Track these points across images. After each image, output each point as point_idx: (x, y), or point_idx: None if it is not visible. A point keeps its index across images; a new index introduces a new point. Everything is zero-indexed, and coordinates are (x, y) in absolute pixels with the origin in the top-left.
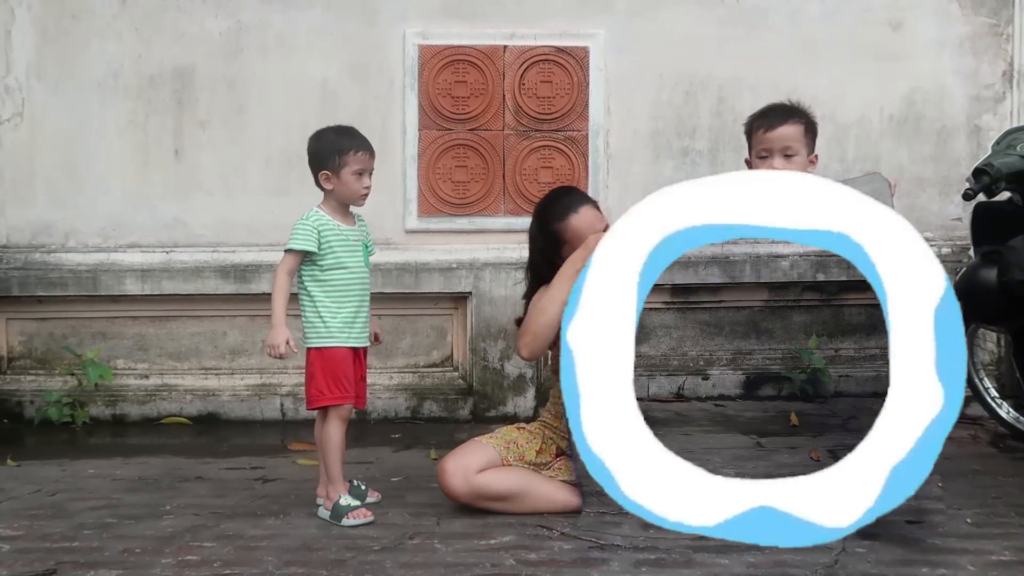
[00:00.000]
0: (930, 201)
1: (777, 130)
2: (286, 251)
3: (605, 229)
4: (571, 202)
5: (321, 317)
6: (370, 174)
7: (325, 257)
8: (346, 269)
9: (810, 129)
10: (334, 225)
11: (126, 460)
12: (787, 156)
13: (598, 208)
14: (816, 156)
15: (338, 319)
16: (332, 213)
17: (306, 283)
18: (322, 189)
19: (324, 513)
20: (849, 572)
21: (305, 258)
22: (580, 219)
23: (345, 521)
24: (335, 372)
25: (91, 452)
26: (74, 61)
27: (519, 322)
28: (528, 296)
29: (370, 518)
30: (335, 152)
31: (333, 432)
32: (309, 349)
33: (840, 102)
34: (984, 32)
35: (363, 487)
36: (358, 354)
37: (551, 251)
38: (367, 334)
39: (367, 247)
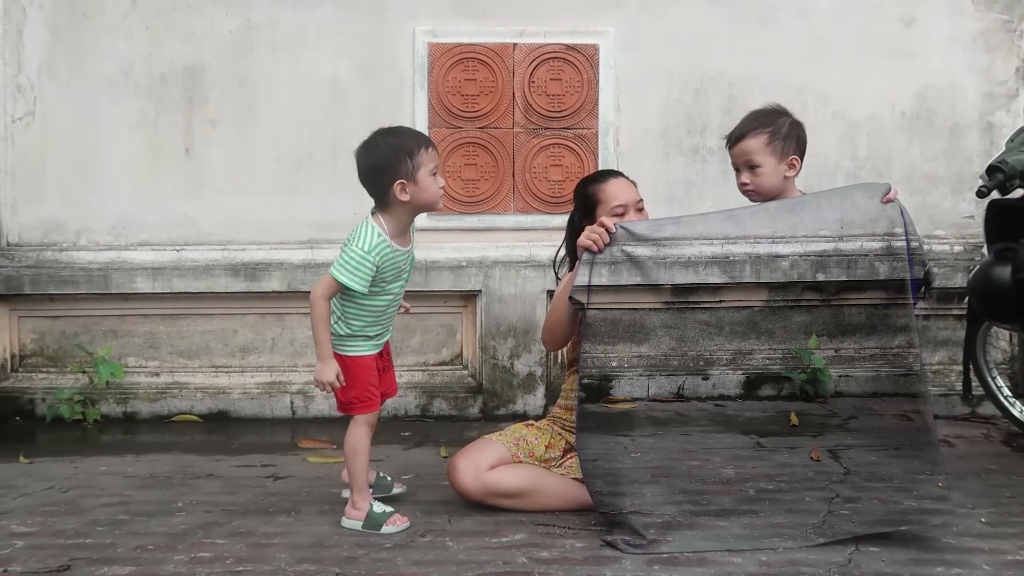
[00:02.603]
0: (942, 199)
1: (736, 146)
2: (332, 276)
3: (640, 202)
4: (612, 172)
5: (351, 331)
6: (439, 173)
7: (371, 287)
8: (387, 295)
9: (778, 135)
10: (391, 251)
11: (138, 457)
12: (752, 168)
13: (636, 187)
14: (796, 159)
15: (367, 335)
16: (394, 234)
17: (345, 303)
18: (382, 206)
19: (351, 524)
20: (863, 571)
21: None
22: (617, 185)
23: (386, 529)
24: (361, 379)
25: (103, 449)
26: (85, 60)
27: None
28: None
29: (408, 523)
30: (404, 155)
31: (361, 438)
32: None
33: (851, 99)
34: (997, 28)
35: (388, 479)
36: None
37: (586, 215)
38: (389, 336)
39: (411, 265)
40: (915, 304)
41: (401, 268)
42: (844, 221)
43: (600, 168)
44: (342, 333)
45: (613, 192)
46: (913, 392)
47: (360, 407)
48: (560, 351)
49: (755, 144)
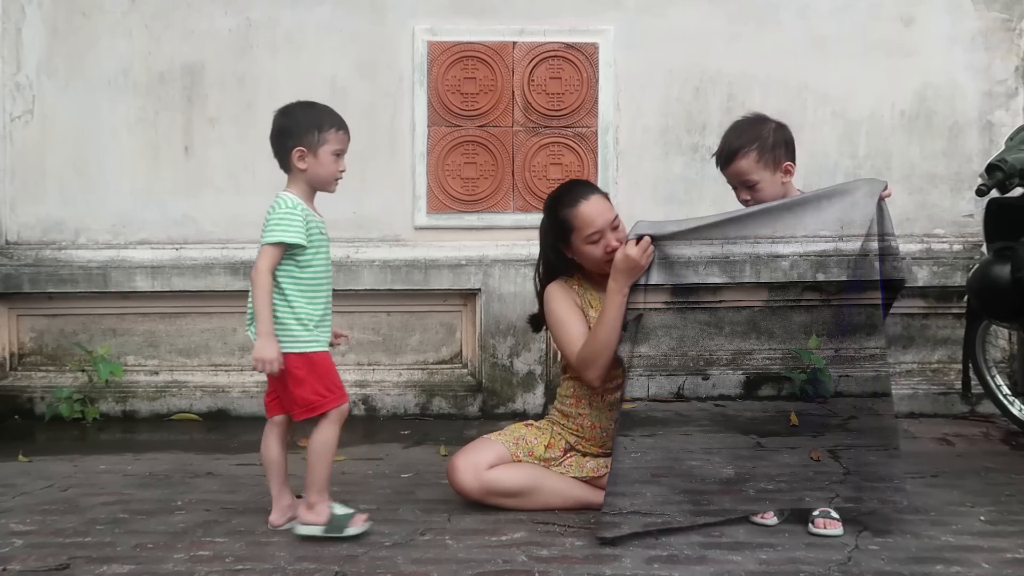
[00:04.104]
0: (941, 197)
1: (729, 168)
2: (268, 244)
3: (615, 220)
4: (581, 191)
5: (299, 319)
6: (344, 157)
7: (306, 251)
8: (320, 265)
9: (766, 148)
10: (309, 213)
11: (137, 456)
12: (749, 187)
13: (608, 199)
14: (790, 164)
15: (315, 320)
16: (304, 200)
17: (281, 281)
18: (286, 170)
19: (310, 530)
20: (863, 569)
21: (285, 252)
22: (590, 206)
23: (349, 531)
24: (328, 373)
25: (102, 448)
26: (84, 58)
27: (533, 319)
28: (541, 291)
29: (368, 520)
30: (314, 127)
31: (332, 437)
32: (290, 354)
33: (851, 98)
34: (996, 27)
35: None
36: None
37: (560, 239)
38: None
39: (328, 241)
40: (885, 303)
41: (324, 235)
42: (844, 221)
43: (599, 167)
44: (292, 324)
45: (587, 218)
46: (877, 391)
47: (331, 399)
48: (558, 352)
49: (747, 164)
